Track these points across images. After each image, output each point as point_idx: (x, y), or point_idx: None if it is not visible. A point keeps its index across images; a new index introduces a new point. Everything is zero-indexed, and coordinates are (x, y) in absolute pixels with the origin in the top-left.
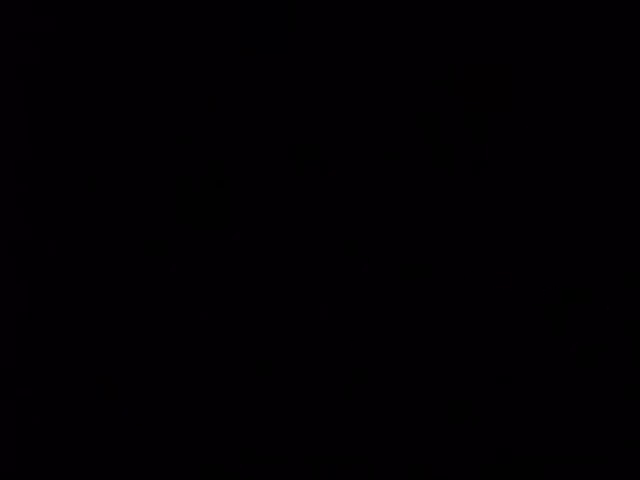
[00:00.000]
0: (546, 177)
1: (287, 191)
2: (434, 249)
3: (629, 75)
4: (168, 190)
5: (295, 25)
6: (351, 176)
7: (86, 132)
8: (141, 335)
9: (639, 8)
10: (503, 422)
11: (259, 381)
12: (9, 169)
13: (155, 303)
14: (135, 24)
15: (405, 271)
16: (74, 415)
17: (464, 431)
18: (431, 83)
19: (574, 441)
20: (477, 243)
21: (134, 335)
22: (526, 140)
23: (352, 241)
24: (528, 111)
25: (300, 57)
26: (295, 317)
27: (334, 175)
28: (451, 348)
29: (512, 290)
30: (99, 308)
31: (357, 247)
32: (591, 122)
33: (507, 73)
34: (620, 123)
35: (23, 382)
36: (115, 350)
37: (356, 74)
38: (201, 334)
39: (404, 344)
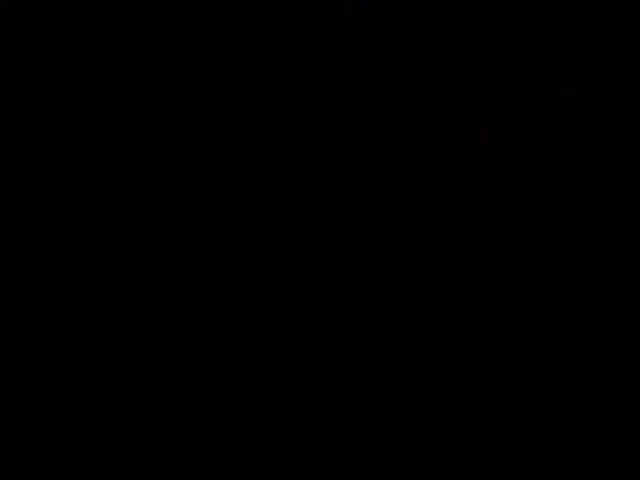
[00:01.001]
0: (545, 177)
1: (286, 189)
2: (433, 249)
3: (628, 73)
4: (166, 187)
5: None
6: (350, 174)
7: (84, 130)
8: (141, 334)
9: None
10: (502, 421)
11: (258, 380)
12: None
13: (154, 302)
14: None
15: (405, 270)
16: (72, 414)
17: (463, 430)
18: (431, 80)
19: (573, 440)
20: (477, 242)
21: (134, 334)
22: (525, 139)
23: (351, 239)
24: (528, 110)
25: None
26: (294, 314)
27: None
28: (450, 347)
29: (512, 293)
30: (99, 307)
31: (356, 245)
32: (590, 121)
33: (506, 72)
34: (620, 121)
35: (23, 381)
36: (114, 348)
37: (354, 71)
38: (200, 333)
39: (403, 343)
